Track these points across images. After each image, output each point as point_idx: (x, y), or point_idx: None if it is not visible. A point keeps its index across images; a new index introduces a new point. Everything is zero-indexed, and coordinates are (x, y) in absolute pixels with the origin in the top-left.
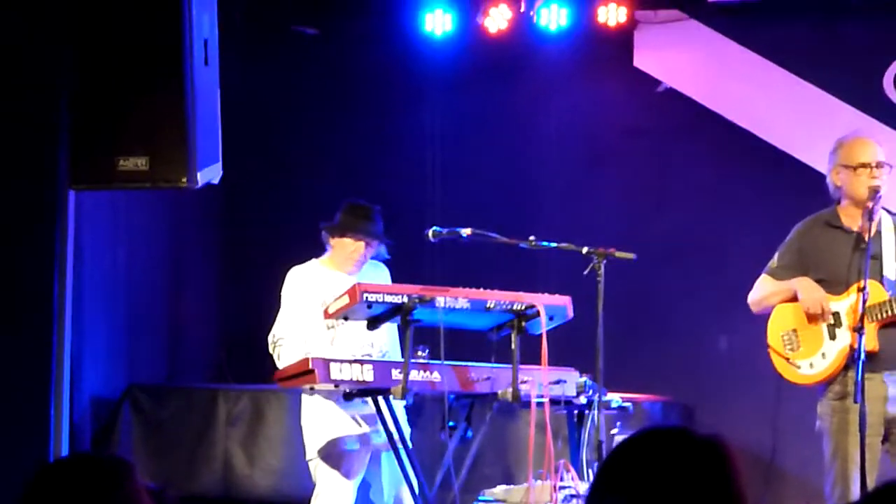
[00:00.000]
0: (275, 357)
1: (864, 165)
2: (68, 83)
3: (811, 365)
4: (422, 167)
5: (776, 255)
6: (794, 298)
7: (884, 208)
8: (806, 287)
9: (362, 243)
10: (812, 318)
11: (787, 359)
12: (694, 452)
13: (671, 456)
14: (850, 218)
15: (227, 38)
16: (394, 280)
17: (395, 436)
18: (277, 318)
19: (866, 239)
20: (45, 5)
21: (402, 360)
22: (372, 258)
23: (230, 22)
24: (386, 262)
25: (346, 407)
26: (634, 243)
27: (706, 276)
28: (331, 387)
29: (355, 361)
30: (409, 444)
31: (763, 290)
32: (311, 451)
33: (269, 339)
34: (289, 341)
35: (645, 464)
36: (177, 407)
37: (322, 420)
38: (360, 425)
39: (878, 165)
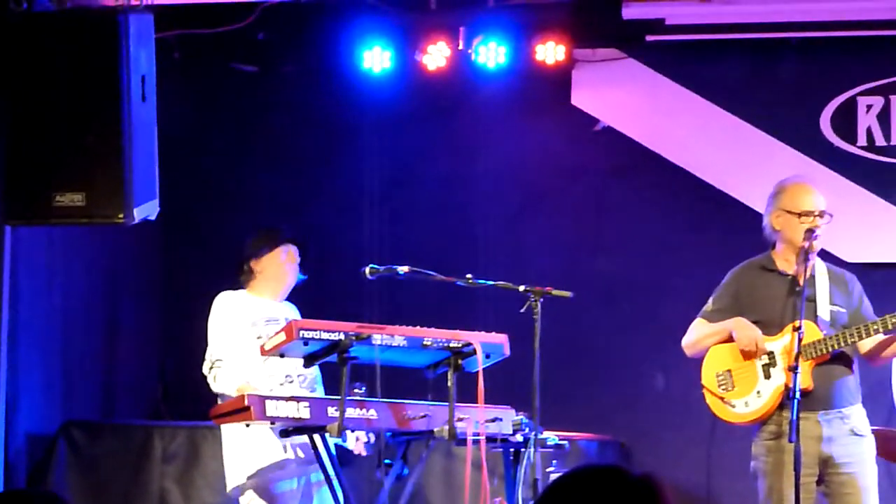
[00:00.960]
0: (211, 379)
1: (808, 213)
2: (3, 117)
3: (746, 404)
4: (360, 204)
5: (711, 299)
6: (729, 339)
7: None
8: (741, 326)
9: (293, 249)
10: (747, 356)
11: (722, 398)
12: (628, 491)
13: (605, 494)
14: (786, 262)
15: (165, 74)
16: (332, 317)
17: (332, 473)
18: (210, 342)
19: (801, 282)
20: None
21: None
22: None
23: (168, 58)
24: (322, 298)
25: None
26: (572, 282)
27: (644, 314)
28: (267, 424)
29: (291, 399)
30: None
31: (698, 333)
32: (239, 484)
33: (206, 360)
34: (227, 363)
35: (579, 502)
36: (112, 443)
37: (254, 452)
38: (294, 453)
39: (821, 215)
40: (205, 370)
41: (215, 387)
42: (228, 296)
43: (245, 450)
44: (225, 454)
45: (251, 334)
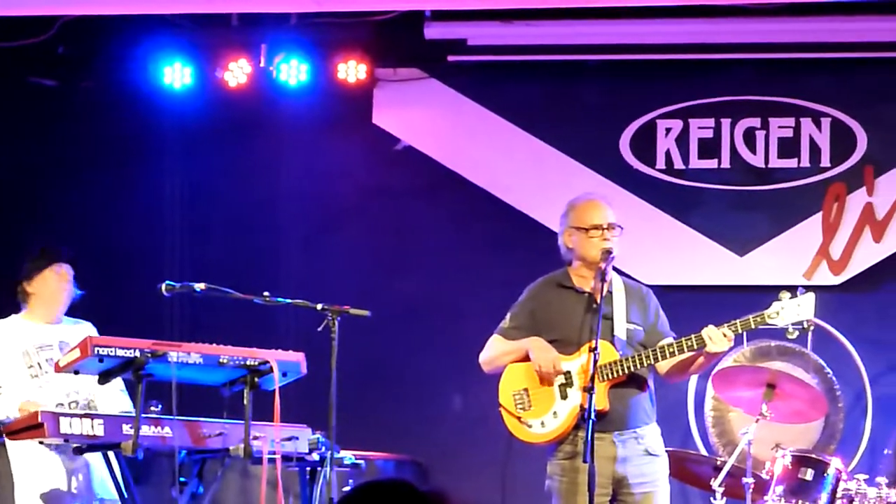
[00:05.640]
0: None
1: (596, 227)
2: None
3: (543, 424)
4: (161, 221)
5: (508, 316)
6: (526, 358)
7: (614, 268)
8: (538, 347)
9: (65, 267)
10: (543, 377)
11: (519, 418)
12: None
13: None
14: (583, 279)
15: None
16: (132, 335)
17: (125, 492)
18: None
19: (598, 300)
20: None
21: (131, 412)
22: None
23: None
24: (121, 315)
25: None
26: (371, 301)
27: (442, 334)
28: (60, 441)
29: (85, 416)
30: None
31: (495, 350)
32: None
33: None
34: (6, 388)
35: None
36: None
37: (38, 472)
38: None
39: (610, 227)
40: None
41: None
42: (0, 325)
43: (35, 472)
44: (15, 476)
45: (23, 363)
